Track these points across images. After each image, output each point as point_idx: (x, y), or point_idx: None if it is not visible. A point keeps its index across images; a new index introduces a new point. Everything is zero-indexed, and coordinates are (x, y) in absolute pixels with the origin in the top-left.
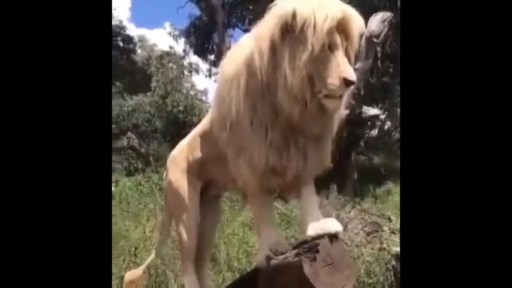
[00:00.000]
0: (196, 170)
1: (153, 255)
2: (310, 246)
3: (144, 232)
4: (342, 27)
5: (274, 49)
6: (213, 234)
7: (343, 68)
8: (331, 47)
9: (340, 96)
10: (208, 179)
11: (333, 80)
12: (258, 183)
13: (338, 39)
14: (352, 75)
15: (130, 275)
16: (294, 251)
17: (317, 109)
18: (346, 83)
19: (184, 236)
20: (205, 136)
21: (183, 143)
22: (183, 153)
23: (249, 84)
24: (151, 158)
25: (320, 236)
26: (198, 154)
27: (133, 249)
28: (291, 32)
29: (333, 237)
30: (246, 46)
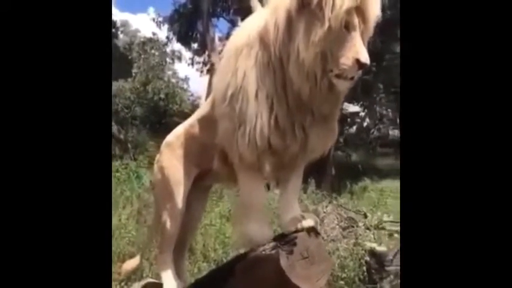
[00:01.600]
0: (196, 157)
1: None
2: (287, 239)
3: (120, 220)
4: (361, 9)
5: (290, 21)
6: (197, 224)
7: (358, 49)
8: (348, 27)
9: (352, 78)
10: (205, 168)
11: (346, 60)
12: (258, 158)
13: (356, 20)
14: (366, 58)
15: (130, 264)
16: (272, 244)
17: (327, 88)
18: (359, 65)
19: (168, 225)
20: (205, 121)
21: (179, 129)
22: (179, 139)
23: (260, 55)
24: (129, 145)
25: (298, 230)
26: (197, 141)
27: None
28: (307, 5)
29: (310, 231)
30: (260, 17)
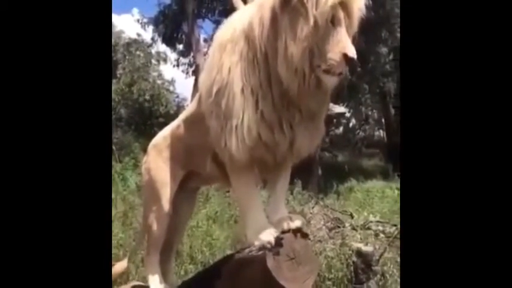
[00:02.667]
0: (181, 159)
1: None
2: (274, 241)
3: None
4: (345, 4)
5: (274, 18)
6: (185, 227)
7: (344, 44)
8: (333, 22)
9: (339, 74)
10: (191, 170)
11: (333, 55)
12: (250, 156)
13: (341, 14)
14: (353, 53)
15: (118, 267)
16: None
17: (315, 85)
18: (346, 59)
19: (155, 227)
20: (190, 121)
21: (166, 131)
22: (166, 141)
23: (245, 51)
24: (114, 147)
25: (285, 231)
26: (182, 142)
27: None
28: (288, 2)
29: (297, 232)
30: (246, 14)
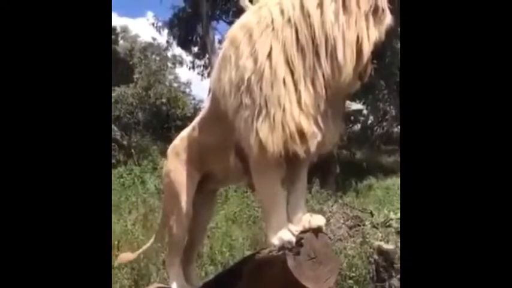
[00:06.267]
0: (196, 161)
1: (151, 240)
2: (294, 241)
3: (126, 225)
4: None
5: (350, 14)
6: (206, 228)
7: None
8: None
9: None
10: (206, 172)
11: (369, 70)
12: (283, 148)
13: None
14: None
15: (123, 257)
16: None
17: (350, 85)
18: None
19: (175, 229)
20: (205, 123)
21: (184, 133)
22: (183, 143)
23: (291, 38)
24: (133, 151)
25: (305, 230)
26: (198, 145)
27: (115, 242)
28: (375, 11)
29: (317, 231)
30: (280, 1)
